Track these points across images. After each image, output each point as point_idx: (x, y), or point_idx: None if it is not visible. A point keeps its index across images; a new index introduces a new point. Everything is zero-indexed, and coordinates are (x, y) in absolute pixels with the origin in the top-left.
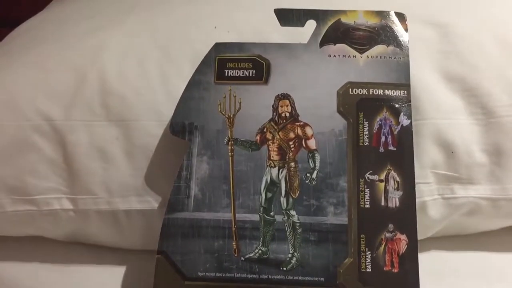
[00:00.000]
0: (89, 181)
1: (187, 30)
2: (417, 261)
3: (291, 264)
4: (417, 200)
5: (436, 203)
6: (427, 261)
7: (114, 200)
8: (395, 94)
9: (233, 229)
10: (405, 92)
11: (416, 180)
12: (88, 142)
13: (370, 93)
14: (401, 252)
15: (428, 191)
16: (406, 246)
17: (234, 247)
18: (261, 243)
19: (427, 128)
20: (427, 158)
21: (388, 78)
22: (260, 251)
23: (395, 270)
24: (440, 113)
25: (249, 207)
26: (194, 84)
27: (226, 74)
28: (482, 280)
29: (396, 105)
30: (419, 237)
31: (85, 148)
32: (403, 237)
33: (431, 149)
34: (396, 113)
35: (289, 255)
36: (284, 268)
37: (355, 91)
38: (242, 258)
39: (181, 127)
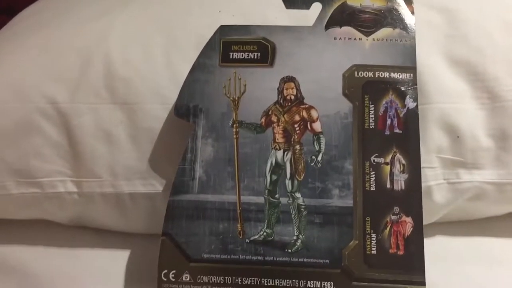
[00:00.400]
0: (93, 164)
1: (192, 14)
2: (422, 244)
3: (296, 246)
4: (422, 184)
5: (441, 187)
6: (431, 246)
7: (118, 183)
8: (401, 77)
9: (238, 211)
10: (411, 75)
11: (421, 165)
12: (93, 125)
13: (376, 76)
14: (406, 235)
15: (433, 176)
16: (411, 228)
17: (239, 229)
18: (266, 225)
19: (433, 113)
20: (432, 143)
21: (394, 61)
22: (265, 233)
23: (401, 253)
24: (446, 97)
25: (254, 189)
26: (198, 66)
27: (231, 57)
28: (486, 265)
29: (402, 88)
30: (424, 222)
31: (89, 131)
32: (409, 219)
33: (436, 133)
34: (402, 96)
35: (294, 237)
36: (289, 250)
37: (361, 74)
38: (247, 240)
39: (185, 110)
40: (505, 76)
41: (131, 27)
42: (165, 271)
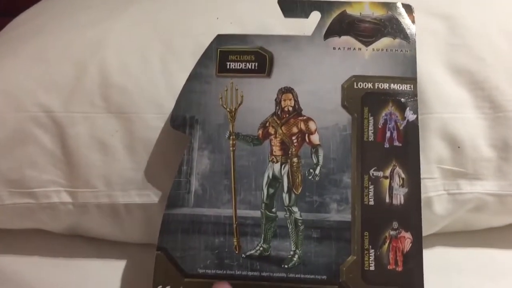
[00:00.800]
0: (88, 174)
1: (190, 22)
2: (421, 260)
3: (293, 262)
4: (422, 195)
5: (441, 198)
6: (431, 257)
7: (114, 194)
8: (401, 88)
9: (234, 225)
10: (412, 86)
11: (421, 176)
12: (87, 135)
13: (376, 87)
14: (405, 251)
15: (433, 187)
16: (410, 244)
17: (235, 244)
18: (262, 240)
19: (433, 122)
20: (432, 153)
21: (394, 72)
22: (261, 248)
23: (399, 269)
24: (447, 107)
25: (250, 203)
26: (195, 77)
27: (228, 67)
28: (487, 277)
29: (402, 99)
30: (423, 233)
31: (84, 140)
32: (408, 235)
33: (437, 143)
34: (402, 108)
35: (291, 253)
36: (286, 266)
37: (360, 85)
38: (243, 255)
39: (181, 121)
40: (507, 86)
41: (128, 35)
42: (160, 286)
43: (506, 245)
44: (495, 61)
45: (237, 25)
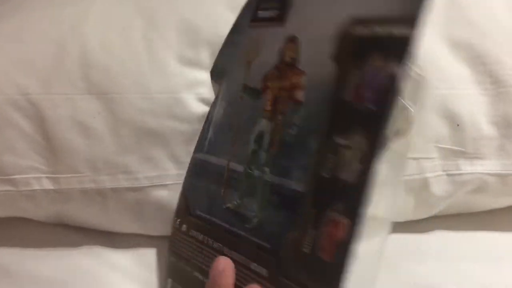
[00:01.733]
0: (71, 158)
1: None
2: (352, 254)
3: (253, 223)
4: (418, 176)
5: (439, 180)
6: (430, 241)
7: (100, 178)
8: (397, 32)
9: (225, 176)
10: (410, 27)
11: (418, 155)
12: (69, 117)
13: (371, 32)
14: (339, 239)
15: (431, 167)
16: (347, 233)
17: (222, 194)
18: (238, 196)
19: (431, 99)
20: (430, 131)
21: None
22: (235, 203)
23: (328, 258)
24: (445, 82)
25: (240, 157)
26: (234, 28)
27: (258, 16)
28: (488, 262)
29: (393, 49)
30: (422, 216)
31: (65, 123)
32: (347, 221)
33: (435, 121)
34: (390, 60)
35: (253, 214)
36: (248, 226)
37: (355, 30)
38: (223, 206)
39: (217, 72)
40: (509, 60)
41: (109, 11)
42: (175, 218)
43: (508, 228)
44: (496, 34)
45: None
